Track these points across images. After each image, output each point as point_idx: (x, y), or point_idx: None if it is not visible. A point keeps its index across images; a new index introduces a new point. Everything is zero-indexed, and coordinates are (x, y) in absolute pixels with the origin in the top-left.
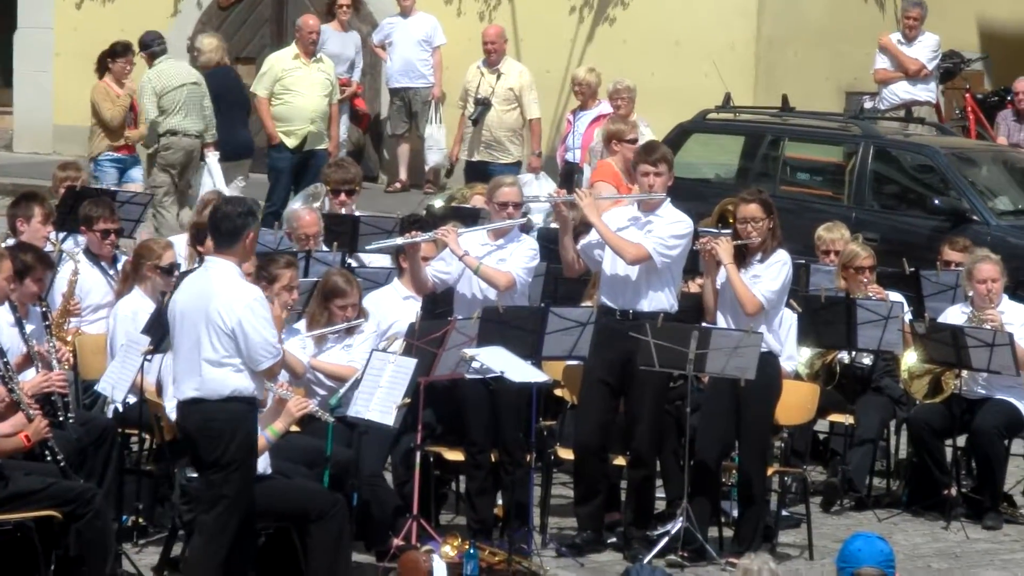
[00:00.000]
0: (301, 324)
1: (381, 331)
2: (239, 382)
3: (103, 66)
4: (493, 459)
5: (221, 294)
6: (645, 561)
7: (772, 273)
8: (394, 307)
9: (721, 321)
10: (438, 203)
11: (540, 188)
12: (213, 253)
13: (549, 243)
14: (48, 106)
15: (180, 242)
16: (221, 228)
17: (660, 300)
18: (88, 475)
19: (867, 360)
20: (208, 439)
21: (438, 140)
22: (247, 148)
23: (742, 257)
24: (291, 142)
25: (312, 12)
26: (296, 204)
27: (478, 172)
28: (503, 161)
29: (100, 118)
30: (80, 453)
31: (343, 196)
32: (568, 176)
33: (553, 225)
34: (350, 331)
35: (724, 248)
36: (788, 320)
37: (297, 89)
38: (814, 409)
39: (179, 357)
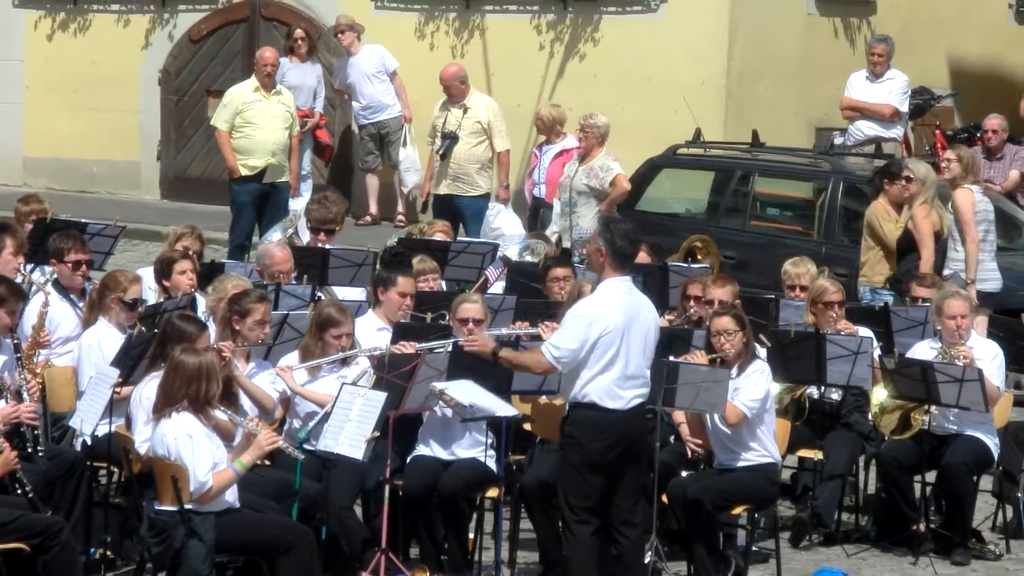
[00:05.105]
0: (291, 357)
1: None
2: None
3: (879, 188)
4: None
5: (652, 308)
6: None
7: (751, 383)
8: (369, 338)
9: (715, 434)
10: (393, 240)
11: (505, 220)
12: (614, 274)
13: (520, 277)
14: (18, 138)
15: (150, 275)
16: (626, 252)
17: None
18: (56, 508)
19: (836, 395)
20: (649, 439)
21: (414, 161)
22: None
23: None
24: (248, 172)
25: (275, 45)
26: (275, 235)
27: (446, 205)
28: (471, 194)
29: (879, 239)
30: (49, 485)
31: (322, 235)
32: (535, 212)
33: (528, 258)
34: (344, 361)
35: (698, 361)
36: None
37: (257, 122)
38: (784, 444)
39: (628, 368)
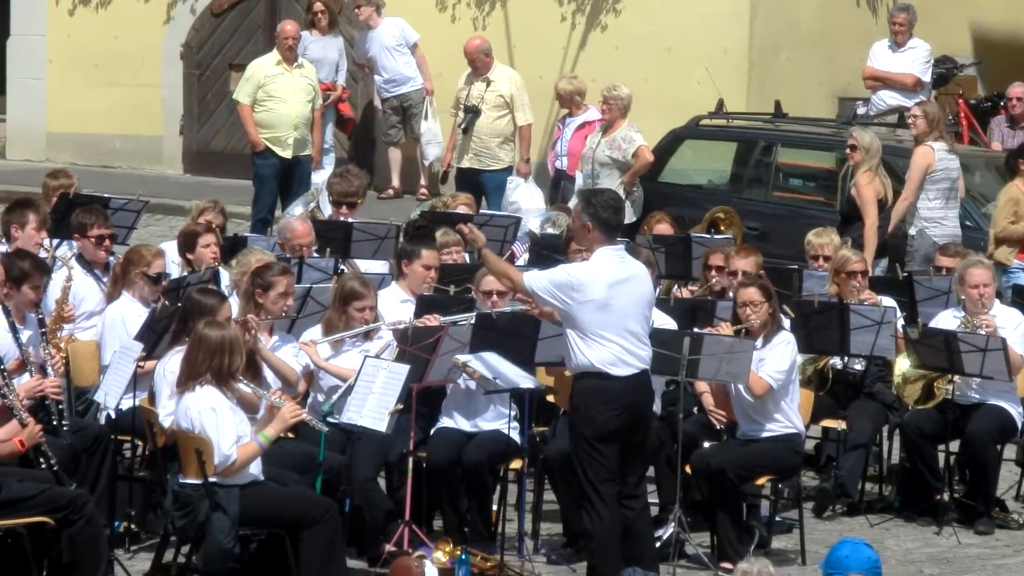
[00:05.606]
0: (314, 331)
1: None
2: None
3: (1014, 170)
4: None
5: (646, 275)
6: None
7: (777, 354)
8: (393, 310)
9: (739, 404)
10: (416, 213)
11: (527, 193)
12: (604, 244)
13: (543, 249)
14: (41, 113)
15: (173, 249)
16: (612, 222)
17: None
18: (81, 481)
19: (859, 365)
20: (652, 406)
21: (435, 134)
22: None
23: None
24: (280, 150)
25: (297, 19)
26: (297, 209)
27: (468, 179)
28: (493, 168)
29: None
30: (73, 459)
31: (344, 208)
32: (557, 184)
33: (549, 231)
34: (367, 335)
35: (724, 332)
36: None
37: (280, 95)
38: (807, 415)
39: (625, 335)
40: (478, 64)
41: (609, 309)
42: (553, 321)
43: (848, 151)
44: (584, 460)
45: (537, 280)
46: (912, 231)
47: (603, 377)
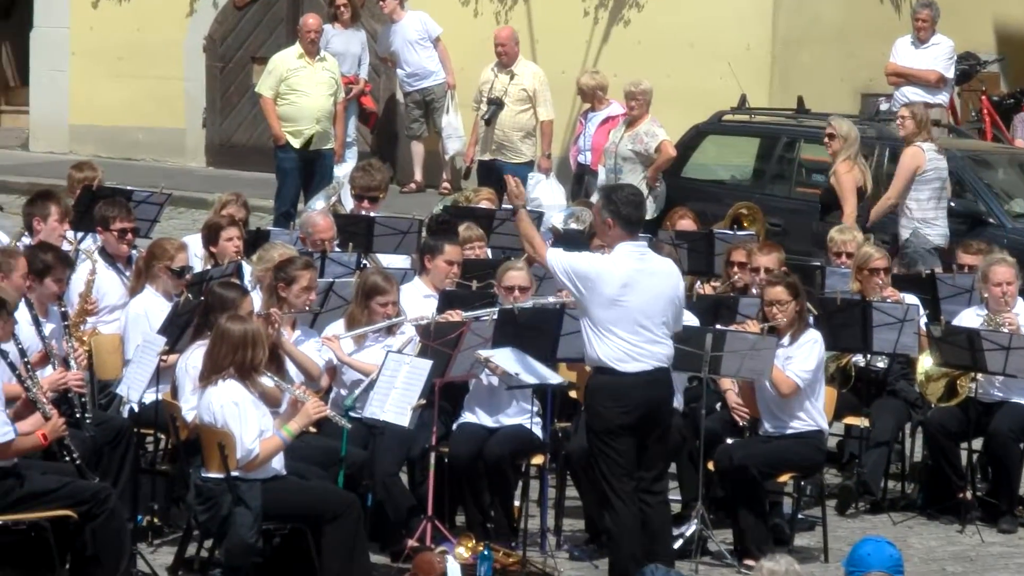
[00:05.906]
0: (337, 325)
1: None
2: None
3: None
4: None
5: (671, 272)
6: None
7: (804, 353)
8: (415, 305)
9: (764, 401)
10: (439, 208)
11: (548, 189)
12: (626, 239)
13: (567, 245)
14: (64, 106)
15: (195, 242)
16: (633, 218)
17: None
18: (103, 475)
19: (882, 363)
20: (670, 404)
21: (456, 128)
22: None
23: None
24: (297, 142)
25: (319, 12)
26: (319, 203)
27: (490, 171)
28: (514, 161)
29: None
30: (96, 453)
31: (366, 203)
32: (580, 178)
33: (573, 226)
34: (390, 330)
35: (751, 331)
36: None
37: (302, 89)
38: (830, 412)
39: (640, 331)
40: (508, 50)
41: (619, 306)
42: None
43: (826, 140)
44: (597, 455)
45: (559, 260)
46: (906, 233)
47: (611, 373)
